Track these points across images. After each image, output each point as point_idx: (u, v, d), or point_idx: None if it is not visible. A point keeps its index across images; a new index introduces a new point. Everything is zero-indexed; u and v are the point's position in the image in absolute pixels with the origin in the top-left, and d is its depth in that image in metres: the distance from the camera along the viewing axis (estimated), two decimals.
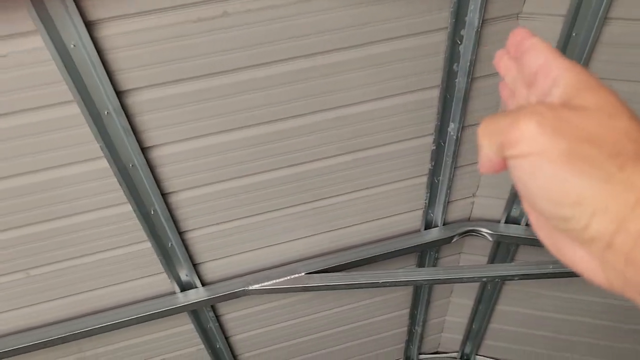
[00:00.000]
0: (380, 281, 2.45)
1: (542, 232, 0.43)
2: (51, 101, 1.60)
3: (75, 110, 1.63)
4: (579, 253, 0.39)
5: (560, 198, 0.36)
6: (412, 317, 3.16)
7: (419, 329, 3.25)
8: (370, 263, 2.48)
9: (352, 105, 1.90)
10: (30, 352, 2.31)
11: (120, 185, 1.87)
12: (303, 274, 2.44)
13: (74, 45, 1.49)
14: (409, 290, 2.96)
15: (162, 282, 2.31)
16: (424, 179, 2.28)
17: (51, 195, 1.85)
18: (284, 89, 1.78)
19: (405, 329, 3.24)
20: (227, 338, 2.77)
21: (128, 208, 1.96)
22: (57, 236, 1.97)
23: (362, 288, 2.58)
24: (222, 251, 2.28)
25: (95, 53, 1.50)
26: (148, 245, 2.12)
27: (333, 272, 2.45)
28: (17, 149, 1.69)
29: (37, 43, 1.46)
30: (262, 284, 2.40)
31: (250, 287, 2.39)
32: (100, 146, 1.73)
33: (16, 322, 2.25)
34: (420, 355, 3.52)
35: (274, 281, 2.40)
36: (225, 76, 1.69)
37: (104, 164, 1.80)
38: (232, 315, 2.65)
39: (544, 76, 0.44)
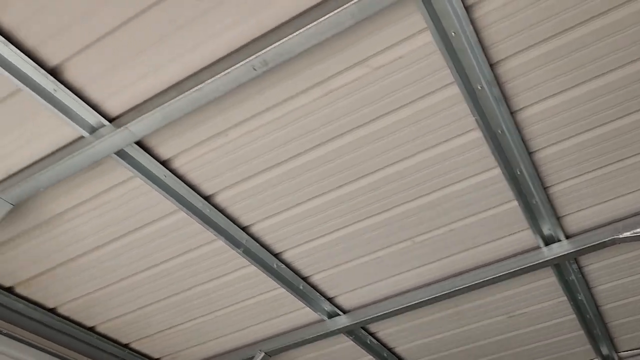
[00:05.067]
0: None
1: None
2: (434, 87, 1.82)
3: (454, 90, 1.82)
4: None
5: None
6: None
7: None
8: None
9: None
10: (418, 308, 2.69)
11: (491, 151, 2.01)
12: None
13: (454, 33, 1.66)
14: None
15: (526, 237, 2.41)
16: None
17: (430, 171, 2.11)
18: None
19: None
20: (589, 289, 2.73)
21: (497, 172, 2.10)
22: (437, 206, 2.23)
23: None
24: (588, 201, 2.25)
25: (474, 34, 1.65)
26: (515, 204, 2.23)
27: None
28: (402, 138, 1.98)
29: (427, 39, 1.68)
30: (635, 231, 2.29)
31: (621, 235, 2.31)
32: (475, 119, 1.90)
33: (406, 282, 2.63)
34: None
35: None
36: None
37: (477, 134, 1.97)
38: (596, 265, 2.59)
39: None
